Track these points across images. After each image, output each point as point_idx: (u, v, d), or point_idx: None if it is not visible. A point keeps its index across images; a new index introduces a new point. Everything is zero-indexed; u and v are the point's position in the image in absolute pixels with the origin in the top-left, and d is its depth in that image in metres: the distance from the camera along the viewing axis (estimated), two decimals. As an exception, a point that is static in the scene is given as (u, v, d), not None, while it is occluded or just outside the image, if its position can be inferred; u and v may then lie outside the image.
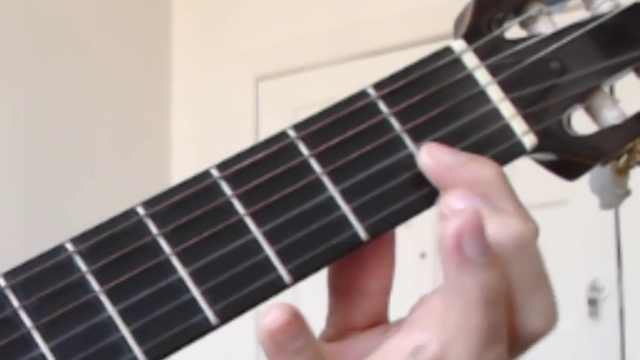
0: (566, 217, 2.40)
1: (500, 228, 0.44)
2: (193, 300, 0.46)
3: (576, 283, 2.55)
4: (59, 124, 2.88)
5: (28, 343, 0.45)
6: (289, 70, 3.06)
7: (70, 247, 0.46)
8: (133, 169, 3.09)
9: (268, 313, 0.43)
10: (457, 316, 0.42)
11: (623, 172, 0.50)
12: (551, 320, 0.44)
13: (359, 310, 0.48)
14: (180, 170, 3.19)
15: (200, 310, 0.46)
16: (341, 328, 0.49)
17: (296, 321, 0.43)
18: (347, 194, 0.47)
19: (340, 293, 0.49)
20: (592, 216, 2.36)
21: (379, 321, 0.48)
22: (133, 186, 3.06)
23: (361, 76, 2.46)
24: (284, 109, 3.07)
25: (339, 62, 2.99)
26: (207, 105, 3.21)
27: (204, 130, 3.21)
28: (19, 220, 2.74)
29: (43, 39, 2.86)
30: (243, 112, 3.13)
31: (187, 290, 0.46)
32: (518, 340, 0.44)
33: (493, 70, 0.50)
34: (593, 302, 2.57)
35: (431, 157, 0.47)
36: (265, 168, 0.48)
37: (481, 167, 0.47)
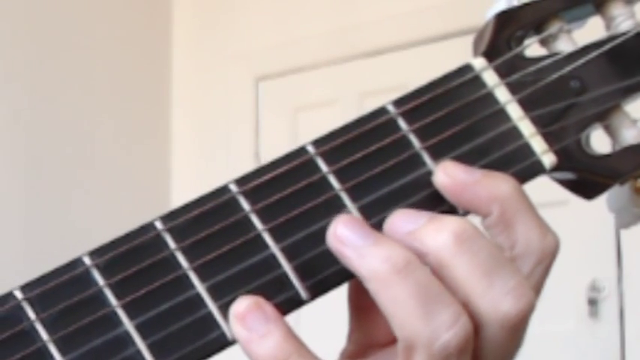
0: (566, 217, 2.40)
1: (439, 229, 0.45)
2: (210, 315, 0.46)
3: (576, 283, 2.56)
4: (59, 124, 2.88)
5: (45, 356, 0.45)
6: (289, 70, 3.06)
7: (87, 260, 0.46)
8: (133, 169, 3.09)
9: (235, 303, 0.46)
10: (385, 298, 0.44)
11: (641, 191, 0.50)
12: (522, 299, 0.44)
13: (380, 327, 0.48)
14: (180, 170, 3.19)
15: (217, 326, 0.46)
16: (363, 344, 0.49)
17: (261, 306, 0.45)
18: (366, 211, 0.47)
19: (361, 311, 0.49)
20: (592, 216, 2.36)
21: None
22: (132, 186, 3.06)
23: (361, 76, 2.47)
24: (284, 109, 3.07)
25: (339, 62, 2.99)
26: (207, 105, 3.21)
27: (204, 130, 3.21)
28: (19, 219, 2.74)
29: (43, 39, 2.86)
30: (243, 112, 3.13)
31: (204, 305, 0.46)
32: (497, 325, 0.44)
33: (513, 88, 0.50)
34: (593, 302, 2.57)
35: (447, 176, 0.47)
36: (284, 183, 0.48)
37: (497, 183, 0.47)
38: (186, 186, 3.12)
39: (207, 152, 3.17)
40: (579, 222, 2.46)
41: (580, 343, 2.58)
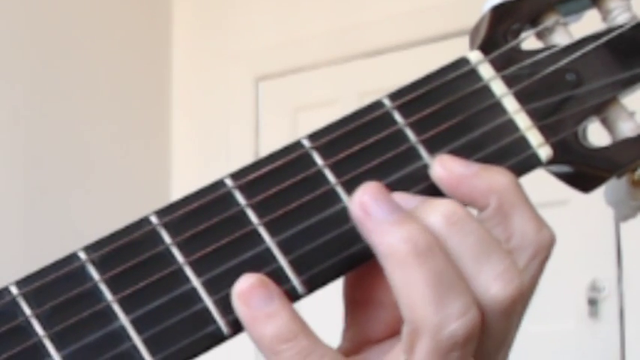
0: (566, 217, 2.41)
1: (430, 211, 0.45)
2: (206, 310, 0.46)
3: (576, 283, 2.56)
4: (59, 124, 2.88)
5: (40, 351, 0.45)
6: (289, 70, 3.07)
7: (82, 255, 0.46)
8: (133, 169, 3.09)
9: (238, 281, 0.45)
10: (399, 279, 0.43)
11: (638, 184, 0.50)
12: (511, 283, 0.44)
13: (376, 322, 0.48)
14: (181, 170, 3.20)
15: (213, 320, 0.46)
16: (358, 341, 0.48)
17: (266, 285, 0.45)
18: None
19: (357, 305, 0.49)
20: (592, 216, 2.36)
21: (396, 331, 0.48)
22: (132, 186, 3.07)
23: (361, 76, 2.48)
24: (284, 109, 3.07)
25: (339, 62, 2.99)
26: (207, 105, 3.21)
27: (204, 130, 3.21)
28: (19, 219, 2.74)
29: (43, 39, 2.86)
30: (243, 112, 3.14)
31: (200, 300, 0.46)
32: (488, 309, 0.44)
33: (509, 82, 0.50)
34: (593, 302, 2.57)
35: (444, 169, 0.47)
36: (279, 178, 0.48)
37: (495, 176, 0.47)
38: (186, 186, 3.10)
39: (207, 152, 3.17)
40: (579, 222, 2.47)
41: (580, 343, 2.58)
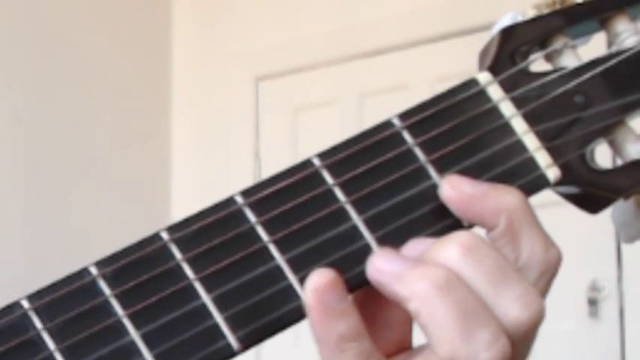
0: (566, 217, 2.40)
1: (444, 244, 0.45)
2: (216, 326, 0.46)
3: (576, 283, 2.56)
4: (59, 124, 2.88)
5: None
6: (289, 70, 3.07)
7: (94, 270, 0.46)
8: (133, 169, 3.09)
9: (311, 275, 0.45)
10: (425, 316, 0.44)
11: (645, 206, 0.50)
12: (531, 307, 0.45)
13: (383, 341, 0.48)
14: (181, 170, 3.20)
15: (223, 336, 0.46)
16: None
17: (339, 283, 0.46)
18: (371, 223, 0.48)
19: (365, 325, 0.49)
20: (592, 216, 2.36)
21: (403, 348, 0.48)
22: (132, 186, 3.07)
23: (361, 76, 2.47)
24: (284, 109, 3.08)
25: (339, 62, 2.99)
26: (207, 105, 3.21)
27: (204, 130, 3.21)
28: (19, 221, 2.74)
29: (43, 39, 2.86)
30: (243, 112, 3.14)
31: (210, 316, 0.46)
32: (508, 332, 0.44)
33: (518, 103, 0.50)
34: (593, 302, 2.57)
35: (453, 189, 0.48)
36: (290, 196, 0.48)
37: (504, 195, 0.47)
38: (187, 186, 3.13)
39: (207, 152, 3.17)
40: (579, 222, 2.44)
41: (580, 343, 2.58)
